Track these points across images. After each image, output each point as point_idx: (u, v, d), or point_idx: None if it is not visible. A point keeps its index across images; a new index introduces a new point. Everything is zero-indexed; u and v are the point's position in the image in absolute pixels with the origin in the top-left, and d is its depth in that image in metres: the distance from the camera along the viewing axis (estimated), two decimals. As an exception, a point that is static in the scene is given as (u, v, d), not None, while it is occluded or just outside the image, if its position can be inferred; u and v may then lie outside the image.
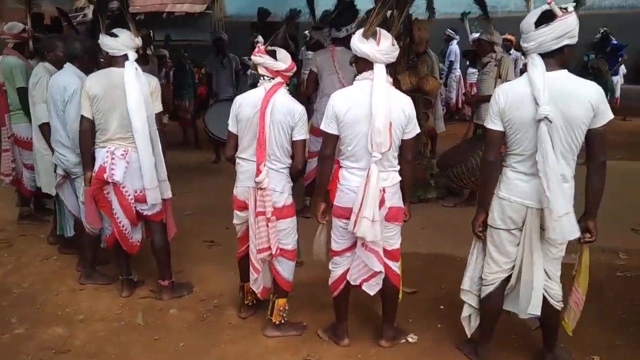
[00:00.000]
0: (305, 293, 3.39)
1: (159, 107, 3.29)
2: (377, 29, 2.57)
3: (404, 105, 2.58)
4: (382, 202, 2.58)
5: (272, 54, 2.79)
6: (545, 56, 2.25)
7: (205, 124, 6.96)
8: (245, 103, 2.83)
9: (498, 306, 2.61)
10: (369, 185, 2.50)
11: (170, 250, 3.49)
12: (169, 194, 3.39)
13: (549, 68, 2.24)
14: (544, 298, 2.47)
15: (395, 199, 2.66)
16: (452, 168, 4.61)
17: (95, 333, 3.08)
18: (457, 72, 9.57)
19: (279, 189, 2.81)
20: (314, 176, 4.87)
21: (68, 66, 3.51)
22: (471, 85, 9.10)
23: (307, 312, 3.22)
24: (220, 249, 4.10)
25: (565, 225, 2.25)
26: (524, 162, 2.36)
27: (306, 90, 5.01)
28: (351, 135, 2.56)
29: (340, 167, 2.69)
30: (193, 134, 8.26)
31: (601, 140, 2.28)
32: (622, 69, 9.44)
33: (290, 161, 2.85)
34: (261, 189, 2.74)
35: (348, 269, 2.77)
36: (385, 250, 2.69)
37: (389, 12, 4.72)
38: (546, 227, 2.32)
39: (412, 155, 2.78)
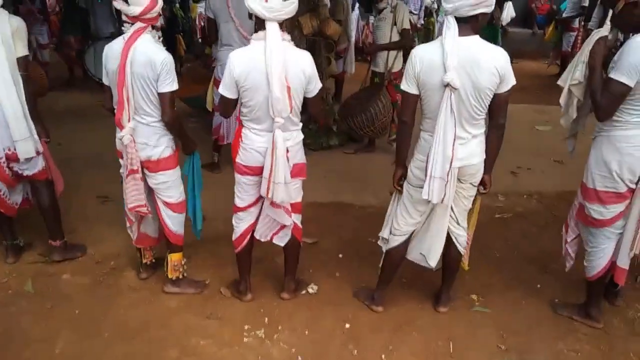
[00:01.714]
0: (207, 250, 3.39)
1: (22, 51, 2.90)
2: None
3: (304, 66, 2.50)
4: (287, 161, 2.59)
5: None
6: (460, 20, 2.27)
7: (85, 65, 6.44)
8: (110, 55, 2.64)
9: (403, 254, 2.80)
10: (276, 151, 2.48)
11: (59, 208, 3.28)
12: (39, 148, 3.05)
13: (462, 32, 2.27)
14: (453, 243, 2.71)
15: (298, 156, 2.68)
16: (353, 118, 4.71)
17: (-21, 305, 2.88)
18: (357, 11, 9.54)
19: (152, 142, 2.72)
20: (219, 132, 4.72)
21: None
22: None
23: (209, 269, 3.23)
24: (115, 204, 3.91)
25: (436, 188, 2.41)
26: (432, 123, 2.42)
27: (209, 38, 4.65)
28: (252, 100, 2.49)
29: (243, 126, 2.63)
30: (80, 73, 7.56)
31: (503, 105, 2.40)
32: (511, 13, 10.00)
33: None
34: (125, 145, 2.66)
35: (252, 224, 2.80)
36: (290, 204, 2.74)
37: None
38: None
39: (319, 108, 2.82)
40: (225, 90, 2.53)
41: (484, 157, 2.52)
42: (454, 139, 2.34)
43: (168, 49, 2.75)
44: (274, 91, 2.38)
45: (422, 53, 2.38)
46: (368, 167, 5.00)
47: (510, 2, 9.86)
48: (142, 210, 2.81)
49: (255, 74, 2.42)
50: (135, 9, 2.54)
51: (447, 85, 2.26)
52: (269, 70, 2.37)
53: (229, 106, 2.61)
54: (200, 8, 8.76)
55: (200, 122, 5.95)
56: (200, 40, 8.56)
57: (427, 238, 2.70)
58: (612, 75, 2.40)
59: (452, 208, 2.63)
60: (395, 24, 4.72)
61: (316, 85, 2.61)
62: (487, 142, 2.51)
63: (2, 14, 2.81)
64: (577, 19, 8.54)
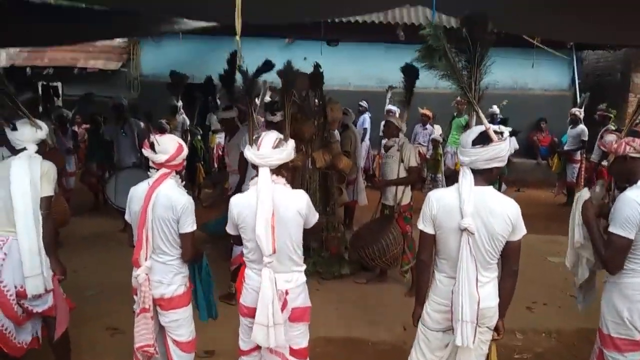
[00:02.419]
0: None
1: (47, 191, 3.03)
2: (265, 132, 2.69)
3: (299, 207, 2.62)
4: (284, 304, 2.60)
5: (152, 147, 2.76)
6: (475, 172, 2.42)
7: (106, 194, 6.71)
8: (134, 197, 2.81)
9: None
10: (262, 290, 2.52)
11: (69, 344, 3.25)
12: (48, 286, 3.02)
13: (477, 182, 2.41)
14: None
15: (300, 300, 2.67)
16: (365, 249, 4.77)
17: None
18: (367, 142, 10.05)
19: (166, 281, 2.78)
20: (240, 262, 4.77)
21: None
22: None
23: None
24: (124, 337, 3.85)
25: (470, 333, 2.36)
26: (448, 264, 2.49)
27: (239, 171, 4.92)
28: (249, 241, 2.60)
29: (246, 266, 2.71)
30: (102, 200, 7.88)
31: (515, 252, 2.46)
32: (515, 145, 10.55)
33: (179, 251, 2.82)
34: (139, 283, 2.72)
35: None
36: (291, 349, 2.68)
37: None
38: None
39: (316, 234, 2.84)
40: (229, 228, 2.72)
41: (498, 300, 2.51)
42: (477, 281, 2.37)
43: (188, 176, 2.92)
44: (256, 229, 2.49)
45: (439, 197, 2.50)
46: (381, 298, 4.95)
47: (513, 137, 10.37)
48: (149, 351, 2.78)
49: (249, 217, 2.56)
50: (161, 157, 2.75)
51: (464, 229, 2.35)
52: (257, 211, 2.50)
53: (236, 240, 2.76)
54: (219, 139, 9.31)
55: (216, 249, 6.03)
56: (217, 169, 9.00)
57: None
58: (611, 229, 2.51)
59: None
60: (402, 161, 4.98)
61: (313, 219, 2.73)
62: (500, 288, 2.52)
63: (36, 158, 3.03)
64: (579, 152, 8.89)
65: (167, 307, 2.80)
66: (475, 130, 2.46)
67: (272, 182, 2.58)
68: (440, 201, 2.48)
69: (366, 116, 10.24)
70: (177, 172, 2.89)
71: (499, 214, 2.38)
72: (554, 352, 4.03)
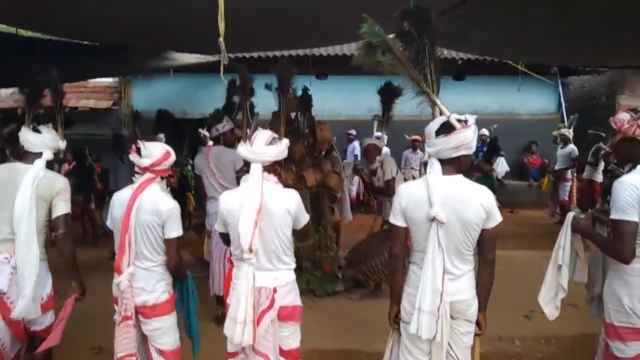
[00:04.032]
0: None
1: (62, 209, 2.89)
2: (260, 129, 2.65)
3: (289, 205, 2.58)
4: (272, 303, 2.51)
5: (138, 151, 2.73)
6: (443, 162, 2.37)
7: (102, 220, 6.69)
8: (117, 203, 2.76)
9: None
10: (237, 285, 2.46)
11: (51, 360, 3.09)
12: (37, 312, 2.86)
13: (446, 172, 2.36)
14: None
15: (289, 298, 2.59)
16: (365, 263, 4.68)
17: None
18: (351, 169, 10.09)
19: (148, 287, 2.71)
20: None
21: None
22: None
23: None
24: (109, 357, 3.67)
25: (424, 323, 2.29)
26: (420, 256, 2.42)
27: (200, 193, 4.88)
28: (234, 236, 2.53)
29: (233, 265, 2.64)
30: (90, 230, 7.79)
31: (491, 240, 2.40)
32: (505, 167, 10.66)
33: (164, 257, 2.75)
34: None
35: None
36: (281, 350, 2.59)
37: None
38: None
39: (307, 238, 2.85)
40: (218, 226, 2.67)
41: (475, 292, 2.43)
42: (444, 273, 2.31)
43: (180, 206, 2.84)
44: (239, 224, 2.43)
45: (407, 189, 2.48)
46: (375, 312, 4.74)
47: (502, 158, 10.46)
48: None
49: (237, 212, 2.50)
50: (146, 161, 2.71)
51: (433, 219, 2.30)
52: (244, 206, 2.44)
53: (225, 238, 2.69)
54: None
55: (204, 274, 5.89)
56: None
57: None
58: (614, 216, 2.48)
59: (450, 346, 2.41)
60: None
61: (304, 220, 2.67)
62: (478, 278, 2.45)
63: (49, 175, 2.89)
64: (570, 170, 8.93)
65: (150, 315, 2.71)
66: (437, 121, 2.42)
67: (263, 179, 2.54)
68: (408, 193, 2.44)
69: (356, 144, 10.35)
70: (162, 178, 2.84)
71: (471, 201, 2.32)
72: (553, 357, 3.93)
